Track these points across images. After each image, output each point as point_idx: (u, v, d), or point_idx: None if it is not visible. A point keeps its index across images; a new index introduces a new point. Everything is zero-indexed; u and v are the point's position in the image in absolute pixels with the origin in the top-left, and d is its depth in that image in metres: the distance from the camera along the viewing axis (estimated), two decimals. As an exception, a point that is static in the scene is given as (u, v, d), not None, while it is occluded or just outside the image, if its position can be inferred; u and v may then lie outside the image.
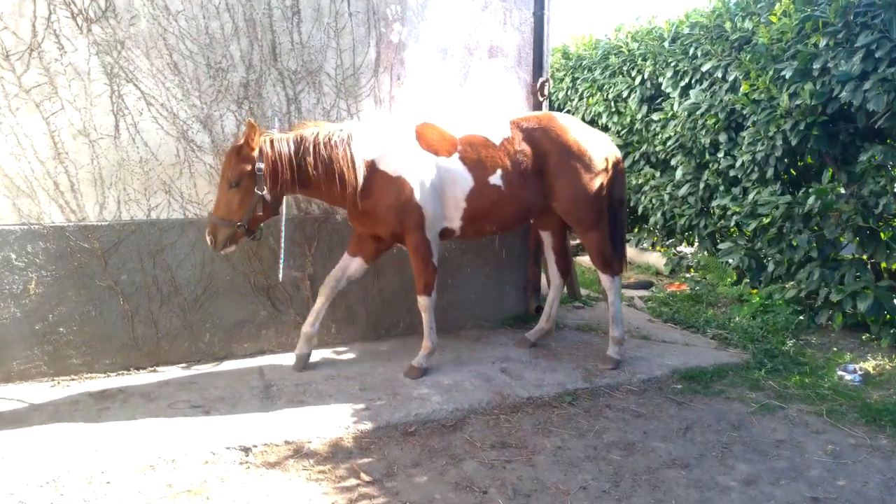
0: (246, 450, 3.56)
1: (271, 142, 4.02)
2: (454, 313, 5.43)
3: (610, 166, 4.70)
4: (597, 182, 4.58)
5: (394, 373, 4.57)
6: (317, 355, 4.89)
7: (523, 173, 4.47)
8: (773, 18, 5.52)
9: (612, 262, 4.77)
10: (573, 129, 4.62)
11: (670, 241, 8.13)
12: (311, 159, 4.07)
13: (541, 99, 5.31)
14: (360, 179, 4.15)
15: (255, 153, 3.95)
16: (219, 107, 4.49)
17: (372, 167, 4.22)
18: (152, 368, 4.58)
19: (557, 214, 4.75)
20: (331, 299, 4.63)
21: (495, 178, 4.42)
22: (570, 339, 5.44)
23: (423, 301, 4.49)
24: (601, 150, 4.67)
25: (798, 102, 5.25)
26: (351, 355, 4.95)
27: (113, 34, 4.17)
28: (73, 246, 4.26)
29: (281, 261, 4.37)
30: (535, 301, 5.81)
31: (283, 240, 4.38)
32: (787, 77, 5.29)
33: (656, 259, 8.19)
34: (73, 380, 4.38)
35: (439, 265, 5.20)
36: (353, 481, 3.33)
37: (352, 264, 4.64)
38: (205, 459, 3.47)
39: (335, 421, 3.85)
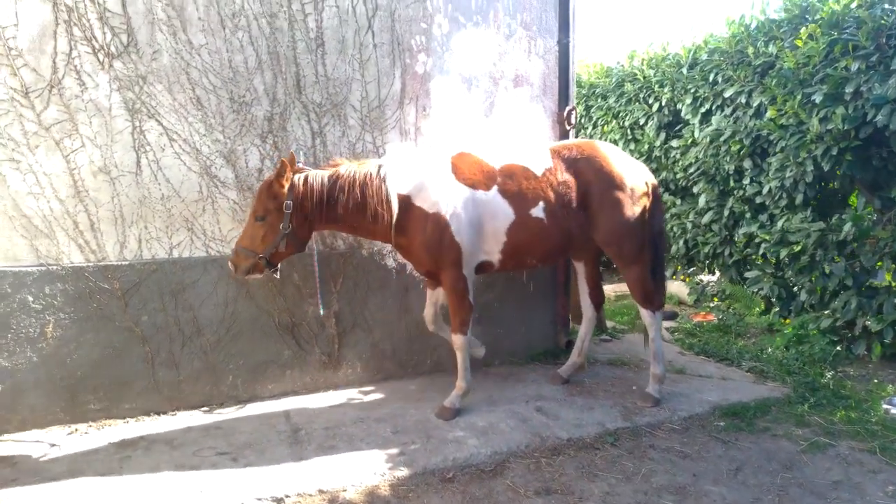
0: (278, 501, 3.37)
1: (305, 178, 3.93)
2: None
3: (650, 195, 4.56)
4: (639, 213, 4.42)
5: (425, 414, 4.38)
6: (343, 396, 4.72)
7: (566, 205, 4.31)
8: (799, 42, 5.44)
9: (654, 296, 4.60)
10: (616, 158, 4.48)
11: (691, 269, 7.99)
12: (344, 196, 3.98)
13: (568, 128, 5.21)
14: (395, 216, 4.03)
15: (285, 190, 3.86)
16: (242, 141, 4.37)
17: (407, 202, 4.08)
18: (173, 412, 4.40)
19: (593, 244, 4.59)
20: (442, 326, 4.70)
21: (537, 211, 4.25)
22: (602, 374, 5.25)
23: (458, 340, 4.32)
24: (642, 179, 4.53)
25: (829, 127, 5.14)
26: (379, 395, 4.77)
27: (135, 69, 4.07)
28: (93, 287, 4.12)
29: (319, 296, 4.32)
30: (565, 335, 5.63)
31: (317, 274, 4.35)
32: (817, 101, 5.19)
33: (678, 288, 8.03)
34: (90, 426, 4.19)
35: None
36: (394, 534, 3.14)
37: (438, 295, 4.62)
38: (235, 512, 3.28)
39: (369, 467, 3.67)
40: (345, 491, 3.49)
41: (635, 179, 4.46)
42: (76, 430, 4.13)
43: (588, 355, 5.35)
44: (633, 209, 4.38)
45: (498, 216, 4.22)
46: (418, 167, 4.17)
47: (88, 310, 4.12)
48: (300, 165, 4.05)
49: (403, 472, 3.65)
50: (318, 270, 4.53)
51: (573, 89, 5.26)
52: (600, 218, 4.38)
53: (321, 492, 3.46)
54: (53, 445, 3.93)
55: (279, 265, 4.07)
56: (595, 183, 4.36)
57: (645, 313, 4.65)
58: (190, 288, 4.33)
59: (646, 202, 4.50)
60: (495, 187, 4.24)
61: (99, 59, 3.99)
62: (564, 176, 4.34)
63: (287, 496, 3.40)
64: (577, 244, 4.54)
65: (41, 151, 3.94)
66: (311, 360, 4.74)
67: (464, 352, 4.34)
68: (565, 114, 5.20)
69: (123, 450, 3.88)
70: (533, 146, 4.57)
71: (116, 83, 4.04)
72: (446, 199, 4.11)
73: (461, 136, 4.96)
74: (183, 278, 4.32)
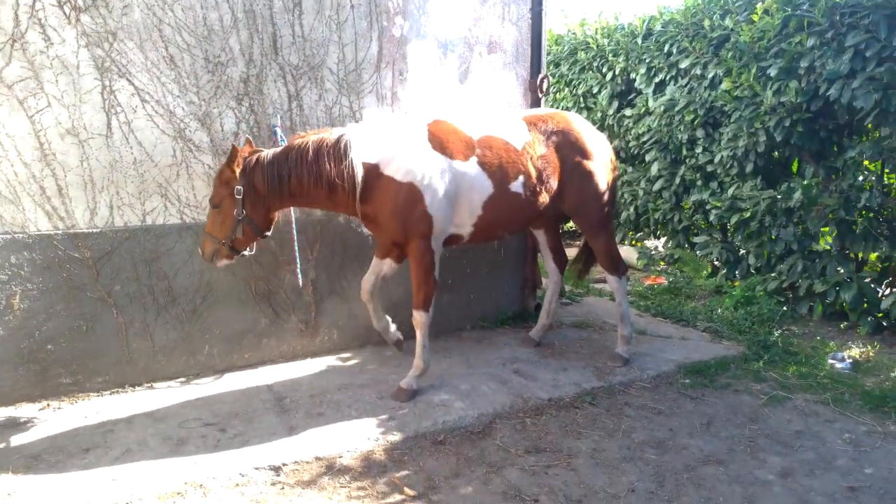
0: (276, 469, 3.36)
1: (256, 160, 3.77)
2: (454, 314, 5.34)
3: (613, 167, 4.72)
4: (606, 184, 4.57)
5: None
6: (322, 363, 4.71)
7: (544, 179, 4.32)
8: (755, 17, 5.66)
9: (620, 263, 4.77)
10: (587, 132, 4.56)
11: (640, 234, 8.29)
12: (298, 171, 3.78)
13: (539, 95, 5.27)
14: (359, 185, 3.86)
15: (237, 175, 3.72)
16: (218, 104, 4.21)
17: (375, 171, 3.89)
18: (149, 385, 4.27)
19: (552, 213, 4.63)
20: (377, 298, 4.50)
21: (516, 186, 4.19)
22: (570, 336, 5.43)
23: (420, 316, 4.13)
24: (607, 151, 4.67)
25: (783, 99, 5.41)
26: (357, 361, 4.78)
27: (104, 24, 3.83)
28: (62, 256, 3.91)
29: (298, 266, 4.22)
30: (534, 300, 5.78)
31: (296, 245, 4.24)
32: (772, 75, 5.44)
33: (628, 253, 8.31)
34: (63, 401, 4.02)
35: (439, 265, 5.11)
36: (397, 496, 3.20)
37: (384, 266, 4.45)
38: (235, 482, 3.26)
39: (362, 433, 3.70)
40: (341, 457, 3.51)
41: (603, 152, 4.59)
42: (48, 405, 3.96)
43: (554, 318, 5.52)
44: (600, 180, 4.51)
45: (475, 189, 4.10)
46: (389, 135, 3.98)
47: (58, 280, 3.92)
48: (262, 149, 3.91)
49: (396, 437, 3.70)
50: (296, 240, 4.43)
51: (545, 57, 5.31)
52: (571, 189, 4.45)
53: (318, 459, 3.47)
54: (27, 422, 3.76)
55: (245, 250, 3.97)
56: (569, 156, 4.41)
57: (612, 279, 4.81)
58: (164, 256, 4.18)
59: (611, 173, 4.64)
60: (474, 158, 4.10)
61: (65, 13, 3.73)
62: (542, 150, 4.33)
63: (284, 464, 3.39)
64: (545, 216, 4.59)
65: (3, 111, 3.67)
66: (289, 328, 4.69)
67: (424, 329, 4.16)
68: (538, 81, 5.25)
69: (104, 424, 3.76)
70: (508, 116, 4.50)
71: (84, 39, 3.80)
72: (421, 168, 3.93)
73: (437, 101, 4.94)
74: (157, 246, 4.16)
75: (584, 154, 4.46)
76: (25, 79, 3.70)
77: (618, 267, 4.76)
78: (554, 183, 4.39)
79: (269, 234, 4.02)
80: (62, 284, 3.94)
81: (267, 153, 3.83)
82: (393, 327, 4.67)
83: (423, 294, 4.11)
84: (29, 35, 3.67)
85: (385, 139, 3.96)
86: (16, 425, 3.72)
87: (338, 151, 3.82)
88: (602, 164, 4.55)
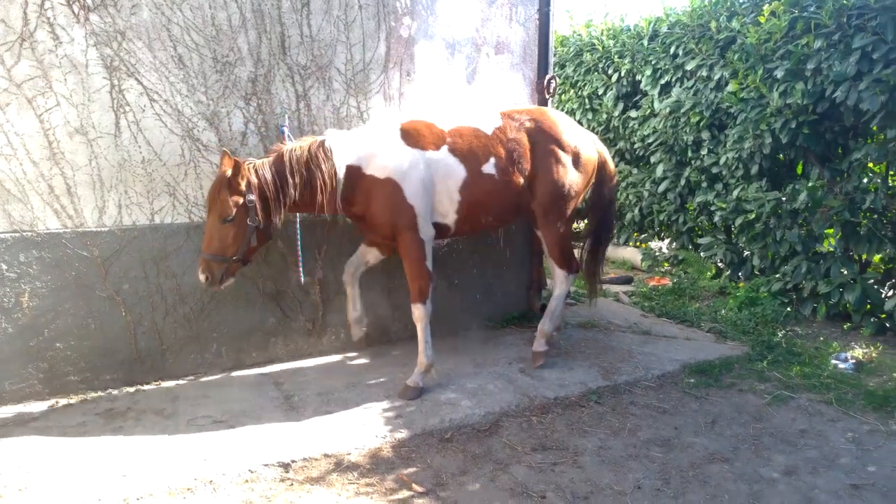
0: (285, 466, 3.38)
1: (256, 170, 3.83)
2: (460, 314, 5.36)
3: (595, 167, 4.72)
4: (576, 181, 4.57)
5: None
6: (329, 362, 4.73)
7: (515, 161, 4.38)
8: (762, 19, 5.68)
9: (572, 259, 4.78)
10: (563, 124, 4.60)
11: (644, 235, 8.30)
12: (295, 177, 3.89)
13: (547, 96, 5.28)
14: (340, 186, 4.00)
15: (244, 185, 3.76)
16: (226, 103, 4.23)
17: (357, 172, 4.05)
18: (157, 383, 4.29)
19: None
20: (357, 282, 4.59)
21: (488, 167, 4.31)
22: (575, 336, 5.44)
23: (418, 310, 4.20)
24: (587, 149, 4.67)
25: (789, 101, 5.43)
26: (364, 360, 4.80)
27: (113, 24, 3.86)
28: (71, 254, 3.93)
29: (300, 265, 4.24)
30: (539, 300, 5.79)
31: (299, 242, 4.25)
32: (778, 76, 5.46)
33: (632, 254, 8.34)
34: (71, 399, 4.04)
35: (446, 265, 5.14)
36: (405, 493, 3.22)
37: (368, 254, 4.57)
38: (244, 478, 3.27)
39: (370, 430, 3.72)
40: (349, 454, 3.53)
41: (578, 147, 4.58)
42: (56, 402, 3.98)
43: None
44: (569, 175, 4.52)
45: (450, 175, 4.24)
46: (366, 137, 4.13)
47: (66, 278, 3.94)
48: (253, 158, 3.97)
49: (403, 434, 3.72)
50: (300, 238, 4.46)
51: (552, 58, 5.33)
52: (538, 178, 4.47)
53: (326, 456, 3.49)
54: (36, 419, 3.78)
55: (252, 258, 4.03)
56: (540, 144, 4.46)
57: (559, 272, 4.77)
58: (172, 255, 4.20)
59: (586, 172, 4.63)
60: (445, 146, 4.25)
61: (74, 12, 3.75)
62: (514, 135, 4.41)
63: (294, 461, 3.41)
64: (528, 203, 4.60)
65: (12, 109, 3.70)
66: (296, 327, 4.70)
67: (423, 323, 4.21)
68: (545, 82, 5.27)
69: (113, 420, 3.78)
70: (485, 109, 4.64)
71: (93, 38, 3.82)
72: (396, 163, 4.09)
73: (444, 102, 4.96)
74: (165, 245, 4.18)
75: (558, 143, 4.49)
76: (34, 78, 3.72)
77: (570, 262, 4.77)
78: (525, 164, 4.43)
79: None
80: (71, 283, 3.96)
81: (260, 161, 3.89)
82: (364, 323, 4.71)
83: (417, 285, 4.20)
84: (38, 34, 3.70)
85: (362, 142, 4.11)
86: (25, 422, 3.74)
87: (324, 154, 3.95)
88: (577, 159, 4.56)
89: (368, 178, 4.07)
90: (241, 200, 3.76)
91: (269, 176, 3.83)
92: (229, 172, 3.71)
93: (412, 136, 4.19)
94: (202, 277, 3.81)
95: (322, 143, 3.99)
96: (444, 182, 4.23)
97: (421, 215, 4.17)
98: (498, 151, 4.34)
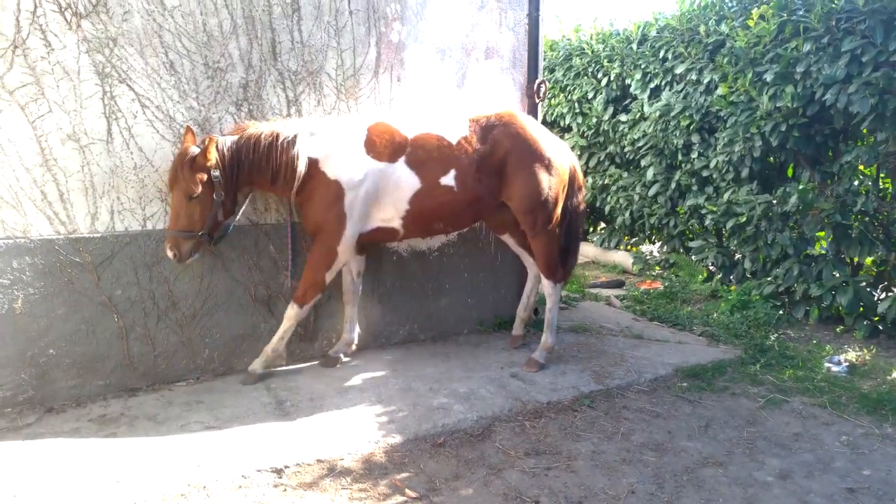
0: (278, 471, 3.38)
1: (221, 147, 3.94)
2: (451, 318, 5.37)
3: (568, 173, 4.72)
4: (554, 186, 4.57)
5: (407, 382, 4.45)
6: (322, 367, 4.71)
7: (479, 172, 4.39)
8: (751, 23, 5.72)
9: (558, 269, 4.78)
10: (534, 128, 4.61)
11: (635, 239, 8.33)
12: (257, 157, 4.02)
13: (536, 101, 5.30)
14: (300, 176, 4.11)
15: (212, 161, 3.87)
16: (217, 109, 4.24)
17: (315, 166, 4.15)
18: (149, 388, 4.28)
19: (510, 214, 4.68)
20: (356, 302, 4.75)
21: (447, 179, 4.33)
22: (567, 340, 5.45)
23: (292, 310, 4.31)
24: (560, 154, 4.69)
25: (779, 104, 5.46)
26: (355, 364, 4.80)
27: (104, 30, 3.86)
28: (63, 260, 3.92)
29: (290, 268, 4.32)
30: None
31: (290, 246, 4.35)
32: (768, 80, 5.49)
33: (623, 258, 8.36)
34: (64, 404, 4.03)
35: (435, 269, 5.16)
36: (398, 498, 3.22)
37: (361, 265, 4.65)
38: (238, 484, 3.27)
39: (362, 435, 3.72)
40: (342, 459, 3.52)
41: (552, 152, 4.59)
42: (50, 408, 3.97)
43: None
44: (548, 180, 4.52)
45: (402, 186, 4.29)
46: (333, 134, 4.21)
47: (59, 284, 3.93)
48: (217, 135, 4.08)
49: (396, 439, 3.72)
50: (291, 242, 4.50)
51: (542, 63, 5.35)
52: (515, 184, 4.48)
53: (319, 461, 3.48)
54: (29, 425, 3.77)
55: (217, 235, 4.12)
56: (512, 151, 4.45)
57: (547, 283, 4.79)
58: (165, 261, 4.19)
59: (561, 176, 4.63)
60: (402, 158, 4.29)
61: (66, 19, 3.75)
62: (479, 144, 4.41)
63: (286, 466, 3.40)
64: (490, 210, 4.65)
65: (4, 116, 3.69)
66: (288, 332, 4.69)
67: (291, 323, 4.35)
68: (535, 87, 5.29)
69: (106, 426, 3.77)
70: (453, 115, 4.65)
71: (85, 45, 3.82)
72: (351, 171, 4.18)
73: (434, 106, 4.97)
74: (157, 251, 4.17)
75: (529, 147, 4.47)
76: (27, 84, 3.72)
77: (555, 272, 4.77)
78: (493, 174, 4.44)
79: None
80: (63, 289, 3.95)
81: (223, 139, 4.00)
82: (352, 347, 4.84)
83: (305, 287, 4.28)
84: (30, 41, 3.69)
85: (327, 137, 4.19)
86: (18, 428, 3.73)
87: (287, 143, 4.07)
88: (552, 165, 4.55)
89: (322, 175, 4.16)
90: (205, 177, 3.86)
91: (231, 152, 3.96)
92: (195, 150, 3.83)
93: (373, 144, 4.24)
94: (170, 254, 3.94)
95: (295, 136, 4.11)
96: (394, 194, 4.30)
97: (349, 226, 4.24)
98: (460, 162, 4.35)
